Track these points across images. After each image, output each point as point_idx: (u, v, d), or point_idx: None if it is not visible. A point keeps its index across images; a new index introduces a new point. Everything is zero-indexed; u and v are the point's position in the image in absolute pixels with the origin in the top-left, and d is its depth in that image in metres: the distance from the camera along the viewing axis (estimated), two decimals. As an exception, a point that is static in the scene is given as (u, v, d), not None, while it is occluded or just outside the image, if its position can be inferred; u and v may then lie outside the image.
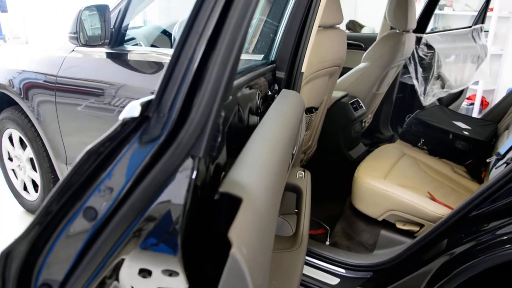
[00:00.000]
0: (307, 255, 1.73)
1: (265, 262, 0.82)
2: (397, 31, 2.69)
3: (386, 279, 1.59)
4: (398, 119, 3.48)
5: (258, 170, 0.87)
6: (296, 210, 1.54)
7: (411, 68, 3.01)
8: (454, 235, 1.43)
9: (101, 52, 2.12)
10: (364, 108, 2.70)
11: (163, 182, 0.67)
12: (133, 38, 2.53)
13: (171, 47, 2.65)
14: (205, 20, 0.69)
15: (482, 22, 3.68)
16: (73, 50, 2.20)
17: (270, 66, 1.58)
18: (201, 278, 0.78)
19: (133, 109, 0.67)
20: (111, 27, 2.04)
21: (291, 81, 1.62)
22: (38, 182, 2.58)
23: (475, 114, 4.96)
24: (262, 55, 1.64)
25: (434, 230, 1.49)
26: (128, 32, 2.24)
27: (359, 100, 2.69)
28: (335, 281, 1.68)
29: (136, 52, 2.19)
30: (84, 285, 0.65)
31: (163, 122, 0.68)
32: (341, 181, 2.64)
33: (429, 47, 3.06)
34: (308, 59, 1.63)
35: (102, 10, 1.97)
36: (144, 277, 0.72)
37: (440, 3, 4.65)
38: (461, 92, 3.76)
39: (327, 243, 2.04)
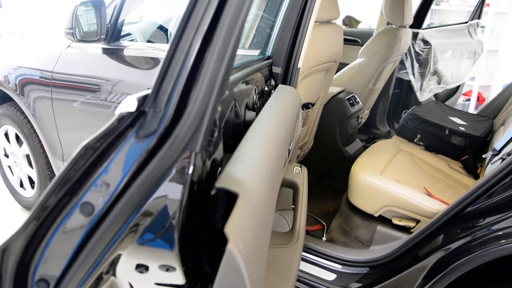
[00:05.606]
0: (304, 251, 1.73)
1: (261, 257, 0.82)
2: (394, 26, 2.69)
3: (382, 275, 1.59)
4: (394, 115, 3.49)
5: (255, 165, 0.87)
6: (293, 206, 1.54)
7: (408, 64, 3.01)
8: (450, 230, 1.44)
9: (97, 47, 2.11)
10: (360, 103, 2.70)
11: (160, 177, 0.66)
12: (129, 34, 2.52)
13: (168, 42, 2.64)
14: (201, 14, 0.69)
15: (479, 18, 3.69)
16: (68, 46, 2.19)
17: (266, 61, 1.58)
18: (198, 273, 0.78)
19: (129, 104, 0.67)
20: (107, 22, 2.04)
21: (288, 76, 1.62)
22: (35, 178, 2.57)
23: (471, 109, 4.97)
24: (259, 51, 1.64)
25: (430, 225, 1.49)
26: (124, 27, 2.23)
27: (356, 96, 2.69)
28: (331, 276, 1.69)
29: (132, 47, 2.18)
30: (81, 281, 0.65)
31: (160, 117, 0.68)
32: (337, 177, 2.64)
33: (426, 42, 3.06)
34: (304, 54, 1.63)
35: (98, 6, 1.96)
36: (141, 272, 0.72)
37: (437, -2, 4.67)
38: (457, 88, 3.78)
39: (324, 239, 2.05)
